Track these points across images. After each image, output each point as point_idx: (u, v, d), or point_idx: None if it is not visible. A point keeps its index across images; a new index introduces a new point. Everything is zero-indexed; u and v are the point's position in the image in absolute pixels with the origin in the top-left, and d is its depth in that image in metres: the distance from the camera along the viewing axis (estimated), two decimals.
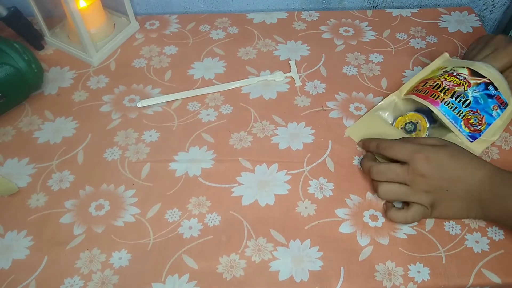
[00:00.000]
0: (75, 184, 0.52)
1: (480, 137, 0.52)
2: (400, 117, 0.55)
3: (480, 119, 0.52)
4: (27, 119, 0.58)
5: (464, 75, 0.53)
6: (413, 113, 0.55)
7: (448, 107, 0.51)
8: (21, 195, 0.51)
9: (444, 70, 0.55)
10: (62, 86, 0.62)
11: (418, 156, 0.46)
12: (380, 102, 0.58)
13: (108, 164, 0.54)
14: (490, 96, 0.52)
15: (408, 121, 0.55)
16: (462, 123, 0.51)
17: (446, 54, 0.58)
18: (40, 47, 0.67)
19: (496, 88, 0.52)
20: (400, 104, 0.57)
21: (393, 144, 0.49)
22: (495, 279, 0.44)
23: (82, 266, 0.46)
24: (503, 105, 0.52)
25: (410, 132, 0.54)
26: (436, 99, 0.52)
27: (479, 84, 0.52)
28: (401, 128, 0.55)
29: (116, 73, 0.64)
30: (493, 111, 0.52)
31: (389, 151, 0.49)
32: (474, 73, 0.52)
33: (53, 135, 0.57)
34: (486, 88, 0.52)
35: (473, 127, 0.52)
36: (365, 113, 0.58)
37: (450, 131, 0.52)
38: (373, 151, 0.52)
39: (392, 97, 0.58)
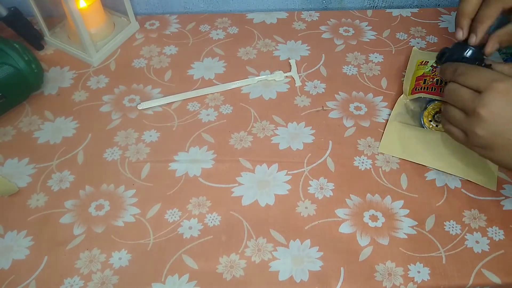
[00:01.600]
0: (75, 184, 0.52)
1: None
2: (425, 112, 0.56)
3: None
4: (27, 119, 0.58)
5: None
6: (433, 104, 0.55)
7: None
8: (21, 195, 0.51)
9: (431, 65, 0.58)
10: (62, 86, 0.62)
11: (497, 86, 0.40)
12: (393, 110, 0.58)
13: (108, 164, 0.54)
14: None
15: (434, 112, 0.55)
16: None
17: (415, 48, 0.66)
18: (40, 47, 0.67)
19: None
20: (410, 104, 0.58)
21: (471, 70, 0.43)
22: (495, 279, 0.44)
23: (82, 266, 0.46)
24: None
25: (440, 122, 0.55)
26: None
27: None
28: (430, 121, 0.55)
29: (116, 73, 0.64)
30: None
31: (465, 78, 0.43)
32: None
33: (53, 135, 0.57)
34: None
35: None
36: (386, 125, 0.57)
37: None
38: (449, 78, 0.45)
39: (402, 100, 0.58)
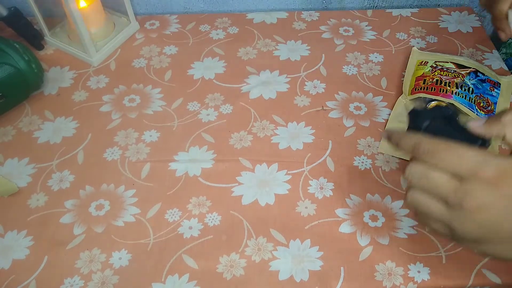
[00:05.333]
0: (75, 184, 0.52)
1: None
2: None
3: (486, 100, 0.55)
4: (27, 119, 0.58)
5: (453, 69, 0.58)
6: (433, 104, 0.55)
7: (460, 96, 0.54)
8: (21, 195, 0.51)
9: (431, 65, 0.59)
10: (62, 86, 0.62)
11: (485, 172, 0.29)
12: (393, 110, 0.58)
13: (108, 164, 0.54)
14: (482, 80, 0.57)
15: None
16: (476, 107, 0.54)
17: (415, 48, 0.65)
18: (40, 47, 0.67)
19: (483, 74, 0.58)
20: (410, 104, 0.58)
21: (443, 148, 0.31)
22: (495, 279, 0.44)
23: (82, 266, 0.46)
24: (496, 85, 0.57)
25: None
26: (446, 93, 0.54)
27: (470, 73, 0.57)
28: None
29: (116, 73, 0.64)
30: (492, 92, 0.56)
31: (436, 158, 0.31)
32: (459, 66, 0.58)
33: (53, 135, 0.57)
34: (477, 75, 0.57)
35: (485, 109, 0.55)
36: (386, 125, 0.56)
37: (468, 116, 0.54)
38: (409, 153, 0.33)
39: (401, 100, 0.58)
